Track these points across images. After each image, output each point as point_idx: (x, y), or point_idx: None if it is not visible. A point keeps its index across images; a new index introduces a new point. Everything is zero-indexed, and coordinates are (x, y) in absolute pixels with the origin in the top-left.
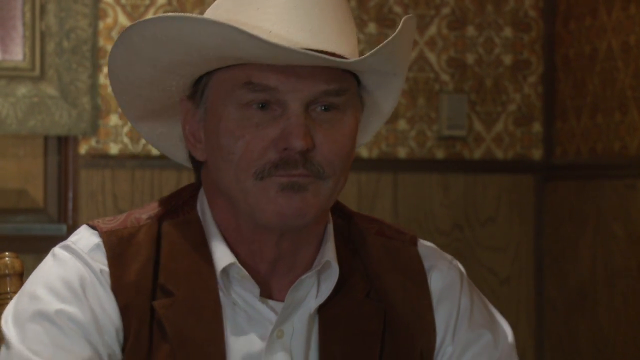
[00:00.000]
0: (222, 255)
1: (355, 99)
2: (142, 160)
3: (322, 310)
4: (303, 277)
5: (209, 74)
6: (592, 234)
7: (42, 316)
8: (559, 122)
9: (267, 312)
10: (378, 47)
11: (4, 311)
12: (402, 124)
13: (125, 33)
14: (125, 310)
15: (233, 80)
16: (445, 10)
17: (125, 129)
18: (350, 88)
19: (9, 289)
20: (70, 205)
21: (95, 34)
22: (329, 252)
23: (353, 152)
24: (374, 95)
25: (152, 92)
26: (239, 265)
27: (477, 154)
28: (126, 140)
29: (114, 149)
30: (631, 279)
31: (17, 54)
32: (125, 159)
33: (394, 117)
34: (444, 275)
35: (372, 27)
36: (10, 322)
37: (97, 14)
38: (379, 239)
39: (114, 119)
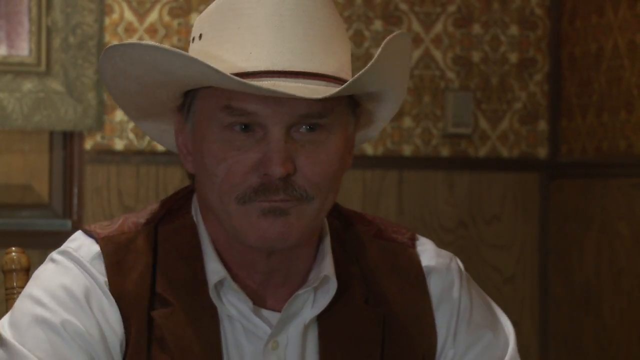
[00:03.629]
0: (214, 269)
1: (343, 116)
2: (147, 156)
3: (321, 318)
4: (300, 292)
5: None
6: (597, 233)
7: (45, 323)
8: (565, 121)
9: (261, 324)
10: (353, 78)
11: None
12: (407, 122)
13: (106, 53)
14: (125, 321)
15: (214, 102)
16: (451, 8)
17: (131, 125)
18: (335, 108)
19: (15, 284)
20: (75, 200)
21: (101, 29)
22: (327, 267)
23: (342, 169)
24: (369, 106)
25: (145, 101)
26: (231, 280)
27: (483, 152)
28: (131, 136)
29: (119, 144)
30: (636, 278)
31: (23, 49)
32: (131, 155)
33: (399, 115)
34: (442, 276)
35: (378, 25)
36: (11, 324)
37: (103, 9)
38: (377, 241)
39: (119, 115)
